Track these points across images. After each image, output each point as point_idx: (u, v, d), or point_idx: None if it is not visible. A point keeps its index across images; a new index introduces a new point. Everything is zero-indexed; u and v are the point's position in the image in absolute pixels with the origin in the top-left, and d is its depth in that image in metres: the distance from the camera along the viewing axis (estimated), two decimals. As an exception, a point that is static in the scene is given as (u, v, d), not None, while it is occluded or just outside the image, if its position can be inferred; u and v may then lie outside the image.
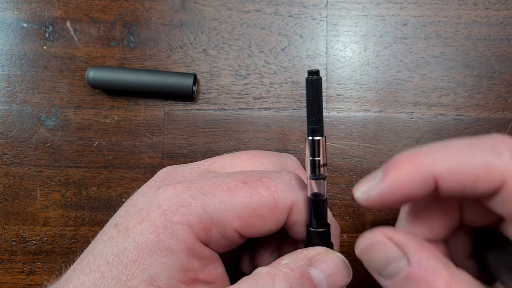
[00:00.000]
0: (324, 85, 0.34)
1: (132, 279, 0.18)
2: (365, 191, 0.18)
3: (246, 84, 0.34)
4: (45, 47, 0.34)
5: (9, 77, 0.34)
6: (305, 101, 0.19)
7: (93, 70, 0.32)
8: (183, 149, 0.33)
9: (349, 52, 0.34)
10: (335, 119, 0.33)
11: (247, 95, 0.34)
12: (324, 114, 0.33)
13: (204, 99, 0.34)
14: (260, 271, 0.19)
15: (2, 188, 0.33)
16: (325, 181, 0.20)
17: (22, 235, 0.33)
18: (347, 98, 0.34)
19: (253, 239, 0.21)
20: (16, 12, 0.34)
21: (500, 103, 0.33)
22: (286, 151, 0.33)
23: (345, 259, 0.20)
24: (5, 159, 0.34)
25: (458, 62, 0.34)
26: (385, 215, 0.33)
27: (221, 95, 0.34)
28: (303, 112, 0.33)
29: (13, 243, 0.33)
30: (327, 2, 0.34)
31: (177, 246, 0.18)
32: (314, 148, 0.19)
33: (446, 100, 0.33)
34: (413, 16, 0.34)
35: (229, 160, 0.23)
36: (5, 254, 0.33)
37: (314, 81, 0.18)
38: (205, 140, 0.33)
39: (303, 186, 0.21)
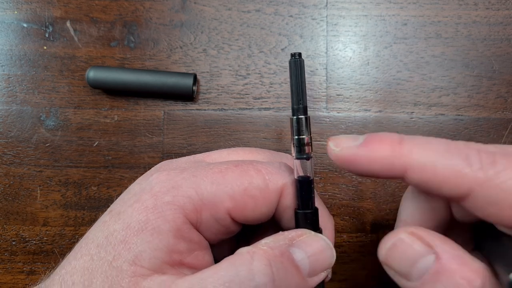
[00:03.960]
0: (324, 85, 0.34)
1: (118, 259, 0.18)
2: (342, 147, 0.19)
3: (246, 84, 0.34)
4: (45, 47, 0.34)
5: (9, 77, 0.34)
6: (290, 84, 0.20)
7: (93, 70, 0.32)
8: (183, 149, 0.33)
9: (349, 52, 0.34)
10: (335, 119, 0.33)
11: (247, 95, 0.34)
12: (324, 114, 0.33)
13: (204, 99, 0.34)
14: (241, 250, 0.19)
15: (2, 188, 0.33)
16: (311, 162, 0.21)
17: (22, 235, 0.33)
18: (347, 98, 0.34)
19: (250, 234, 0.21)
20: (16, 12, 0.34)
21: (500, 103, 0.33)
22: (286, 151, 0.33)
23: (328, 241, 0.20)
24: (5, 159, 0.34)
25: (458, 62, 0.34)
26: (385, 215, 0.33)
27: (221, 95, 0.34)
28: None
29: (13, 243, 0.33)
30: (327, 2, 0.34)
31: (165, 226, 0.18)
32: (299, 127, 0.20)
33: (446, 100, 0.33)
34: (413, 16, 0.34)
35: (225, 154, 0.23)
36: (5, 254, 0.33)
37: (297, 62, 0.20)
38: (205, 140, 0.33)
39: (293, 172, 0.21)
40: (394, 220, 0.32)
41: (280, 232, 0.20)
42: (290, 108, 0.34)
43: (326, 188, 0.33)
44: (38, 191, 0.33)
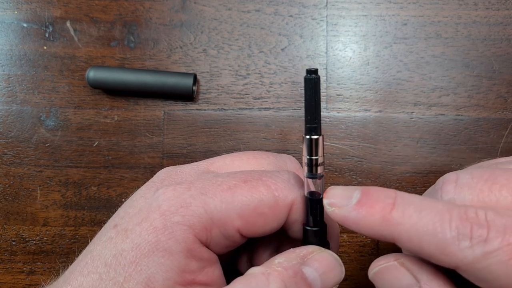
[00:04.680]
0: (324, 85, 0.34)
1: (129, 281, 0.18)
2: (335, 207, 0.19)
3: (246, 84, 0.34)
4: (45, 47, 0.34)
5: (9, 77, 0.34)
6: (304, 101, 0.19)
7: (93, 70, 0.32)
8: (183, 149, 0.33)
9: (349, 52, 0.34)
10: (335, 119, 0.33)
11: (247, 95, 0.34)
12: (324, 114, 0.33)
13: (204, 99, 0.34)
14: (254, 271, 0.19)
15: (2, 188, 0.33)
16: (322, 180, 0.20)
17: (22, 235, 0.33)
18: (347, 98, 0.34)
19: (252, 239, 0.21)
20: (16, 12, 0.34)
21: (500, 103, 0.33)
22: (286, 151, 0.33)
23: (337, 257, 0.21)
24: (5, 159, 0.34)
25: (458, 62, 0.34)
26: (385, 215, 0.33)
27: (221, 95, 0.34)
28: (303, 112, 0.33)
29: (13, 243, 0.33)
30: (327, 2, 0.34)
31: (176, 247, 0.18)
32: (312, 147, 0.19)
33: (446, 100, 0.33)
34: (413, 16, 0.34)
35: (228, 160, 0.23)
36: (5, 254, 0.33)
37: (312, 80, 0.18)
38: (205, 140, 0.33)
39: (302, 184, 0.21)
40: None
41: (291, 250, 0.20)
42: (291, 108, 0.34)
43: (326, 188, 0.33)
44: (38, 191, 0.33)
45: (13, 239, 0.33)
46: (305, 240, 0.21)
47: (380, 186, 0.33)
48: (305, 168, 0.20)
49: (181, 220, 0.19)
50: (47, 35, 0.34)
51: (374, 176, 0.33)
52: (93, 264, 0.19)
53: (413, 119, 0.33)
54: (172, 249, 0.18)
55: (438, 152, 0.33)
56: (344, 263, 0.32)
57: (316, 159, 0.20)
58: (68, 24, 0.34)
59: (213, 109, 0.34)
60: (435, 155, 0.33)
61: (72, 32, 0.34)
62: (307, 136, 0.19)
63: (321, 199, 0.20)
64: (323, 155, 0.20)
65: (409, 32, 0.34)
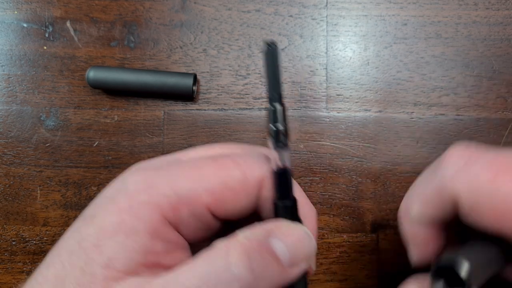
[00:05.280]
0: (324, 85, 0.34)
1: (90, 264, 0.17)
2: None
3: (246, 84, 0.34)
4: (45, 47, 0.34)
5: (9, 77, 0.34)
6: (265, 72, 0.20)
7: (93, 70, 0.32)
8: (183, 149, 0.33)
9: (349, 52, 0.34)
10: (335, 119, 0.33)
11: (247, 95, 0.34)
12: (324, 114, 0.33)
13: (204, 99, 0.34)
14: (216, 243, 0.18)
15: (2, 188, 0.33)
16: (288, 152, 0.20)
17: (22, 235, 0.33)
18: (347, 98, 0.34)
19: (231, 233, 0.21)
20: (16, 12, 0.34)
21: (500, 103, 0.33)
22: (286, 151, 0.33)
23: (307, 230, 0.20)
24: (5, 159, 0.34)
25: (458, 62, 0.34)
26: (385, 215, 0.33)
27: (221, 95, 0.34)
28: (303, 112, 0.33)
29: (13, 243, 0.33)
30: (327, 2, 0.34)
31: (141, 226, 0.18)
32: (275, 116, 0.20)
33: (446, 100, 0.33)
34: (413, 16, 0.34)
35: (201, 149, 0.23)
36: (5, 254, 0.33)
37: (269, 51, 0.19)
38: (205, 140, 0.33)
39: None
40: (394, 220, 0.32)
41: (257, 223, 0.19)
42: (291, 108, 0.34)
43: (326, 188, 0.33)
44: (38, 191, 0.33)
45: (13, 239, 0.33)
46: (275, 216, 0.21)
47: (380, 186, 0.33)
48: (270, 139, 0.20)
49: (147, 199, 0.18)
50: (47, 35, 0.34)
51: (374, 176, 0.33)
52: (58, 255, 0.19)
53: (413, 119, 0.33)
54: (136, 228, 0.18)
55: (438, 152, 0.33)
56: (344, 263, 0.33)
57: (279, 127, 0.20)
58: (68, 24, 0.34)
59: (213, 109, 0.34)
60: (435, 155, 0.33)
61: (72, 32, 0.34)
62: (270, 106, 0.20)
63: (288, 170, 0.20)
64: (287, 125, 0.20)
65: (409, 32, 0.34)
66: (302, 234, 0.19)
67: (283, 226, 0.19)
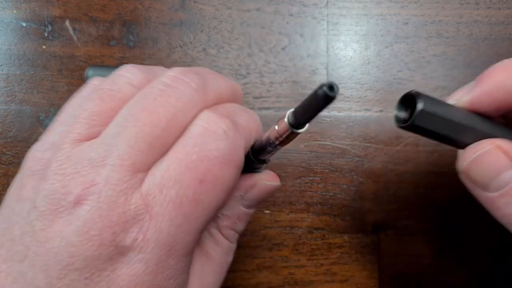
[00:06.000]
0: (324, 85, 0.33)
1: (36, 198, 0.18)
2: (457, 98, 0.19)
3: (246, 83, 0.34)
4: (44, 47, 0.34)
5: (8, 77, 0.34)
6: (307, 104, 0.18)
7: (92, 69, 0.32)
8: (183, 149, 0.33)
9: (349, 51, 0.34)
10: (336, 119, 0.33)
11: (247, 95, 0.34)
12: (325, 114, 0.33)
13: (204, 98, 0.34)
14: None
15: (0, 188, 0.33)
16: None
17: (21, 236, 0.33)
18: (348, 97, 0.33)
19: None
20: (15, 11, 0.34)
21: (501, 102, 0.33)
22: (287, 151, 0.33)
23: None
24: (4, 159, 0.33)
25: (459, 61, 0.34)
26: (386, 216, 0.32)
27: (221, 94, 0.34)
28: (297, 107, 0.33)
29: (12, 243, 0.33)
30: (327, 1, 0.34)
31: None
32: (289, 139, 0.19)
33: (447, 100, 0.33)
34: (414, 15, 0.34)
35: None
36: (4, 254, 0.33)
37: (328, 96, 0.16)
38: (205, 140, 0.33)
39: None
40: (396, 220, 0.32)
41: None
42: (291, 108, 0.33)
43: (327, 188, 0.33)
44: (37, 191, 0.33)
45: (11, 239, 0.33)
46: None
47: (382, 186, 0.33)
48: (259, 152, 0.21)
49: None
50: (46, 35, 0.34)
51: (375, 176, 0.33)
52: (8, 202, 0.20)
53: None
54: None
55: (439, 152, 0.33)
56: (345, 263, 0.32)
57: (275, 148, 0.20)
58: (67, 23, 0.34)
59: (213, 109, 0.33)
60: (436, 155, 0.33)
61: (71, 31, 0.34)
62: (296, 130, 0.19)
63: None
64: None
65: (410, 31, 0.34)
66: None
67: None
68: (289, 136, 0.19)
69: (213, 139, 0.18)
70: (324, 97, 0.16)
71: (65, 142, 0.18)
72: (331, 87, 0.16)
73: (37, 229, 0.17)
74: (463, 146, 0.20)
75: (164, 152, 0.18)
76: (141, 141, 0.17)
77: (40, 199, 0.17)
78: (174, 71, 0.20)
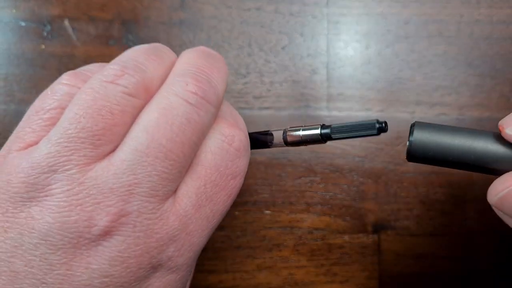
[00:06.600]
0: (325, 84, 0.33)
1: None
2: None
3: (246, 83, 0.33)
4: (43, 46, 0.34)
5: (6, 77, 0.34)
6: (352, 128, 0.20)
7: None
8: (183, 149, 0.33)
9: (350, 50, 0.34)
10: (336, 119, 0.33)
11: (247, 94, 0.33)
12: (325, 113, 0.33)
13: (203, 98, 0.33)
14: None
15: None
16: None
17: (20, 236, 0.33)
18: (348, 97, 0.33)
19: None
20: (14, 10, 0.34)
21: (503, 102, 0.33)
22: (287, 151, 0.33)
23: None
24: (2, 159, 0.33)
25: (460, 61, 0.33)
26: (386, 216, 0.32)
27: (220, 94, 0.33)
28: (304, 112, 0.33)
29: (11, 243, 0.33)
30: (328, 0, 0.34)
31: None
32: (310, 141, 0.21)
33: (448, 99, 0.33)
34: (415, 14, 0.34)
35: None
36: (3, 255, 0.33)
37: (376, 130, 0.19)
38: (204, 140, 0.33)
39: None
40: (396, 220, 0.32)
41: None
42: (292, 108, 0.33)
43: (327, 188, 0.33)
44: (36, 191, 0.33)
45: (11, 239, 0.33)
46: None
47: (382, 186, 0.33)
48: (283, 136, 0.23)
49: None
50: (45, 34, 0.34)
51: (375, 176, 0.33)
52: None
53: (415, 119, 0.33)
54: None
55: (440, 152, 0.33)
56: (345, 264, 0.32)
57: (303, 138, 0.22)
58: (66, 22, 0.34)
59: (213, 109, 0.33)
60: (437, 155, 0.33)
61: (70, 31, 0.34)
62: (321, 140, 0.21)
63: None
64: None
65: (411, 30, 0.34)
66: None
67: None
68: (308, 142, 0.21)
69: (235, 157, 0.20)
70: (375, 127, 0.19)
71: (70, 165, 0.17)
72: (386, 124, 0.19)
73: (55, 263, 0.16)
74: (484, 171, 0.20)
75: (186, 172, 0.19)
76: (169, 167, 0.17)
77: (54, 233, 0.16)
78: (194, 88, 0.20)
